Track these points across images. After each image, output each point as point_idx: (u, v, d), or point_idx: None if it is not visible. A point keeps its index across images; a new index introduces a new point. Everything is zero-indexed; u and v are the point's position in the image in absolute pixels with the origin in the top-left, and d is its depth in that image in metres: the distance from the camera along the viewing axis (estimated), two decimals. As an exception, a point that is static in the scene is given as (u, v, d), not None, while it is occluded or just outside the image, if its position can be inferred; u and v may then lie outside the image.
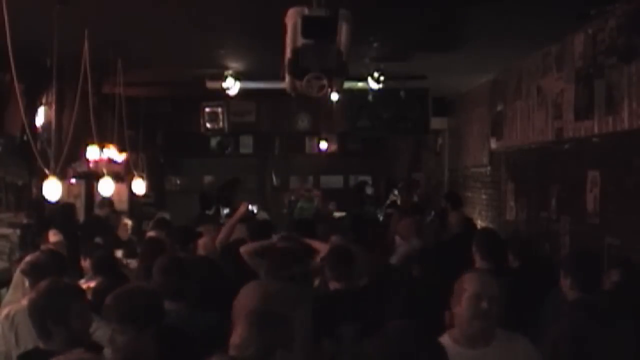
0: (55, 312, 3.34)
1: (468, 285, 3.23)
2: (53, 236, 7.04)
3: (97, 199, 9.52)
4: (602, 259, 5.41)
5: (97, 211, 9.37)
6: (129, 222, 9.09)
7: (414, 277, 5.64)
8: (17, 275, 5.13)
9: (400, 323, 2.51)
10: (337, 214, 11.88)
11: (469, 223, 8.45)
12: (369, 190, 13.32)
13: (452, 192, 10.17)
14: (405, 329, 2.39)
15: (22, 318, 4.03)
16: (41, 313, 3.35)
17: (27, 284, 4.35)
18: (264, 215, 9.81)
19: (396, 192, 12.59)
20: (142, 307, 3.31)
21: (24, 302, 4.24)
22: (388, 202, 12.48)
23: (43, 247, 6.22)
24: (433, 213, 9.74)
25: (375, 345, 2.33)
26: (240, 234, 6.62)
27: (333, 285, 4.62)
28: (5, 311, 4.26)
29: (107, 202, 9.01)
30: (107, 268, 5.33)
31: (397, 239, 6.77)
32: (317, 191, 13.29)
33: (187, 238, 6.01)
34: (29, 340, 3.84)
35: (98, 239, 7.56)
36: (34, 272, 4.30)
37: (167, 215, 9.55)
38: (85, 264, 5.84)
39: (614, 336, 3.72)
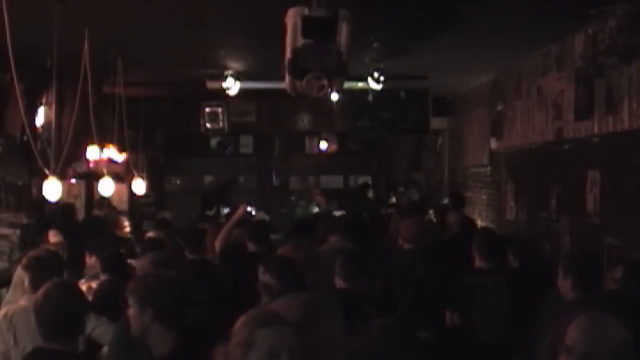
0: (80, 311, 3.33)
1: (568, 332, 2.48)
2: (53, 237, 7.04)
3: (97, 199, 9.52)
4: (602, 259, 5.41)
5: (96, 211, 9.36)
6: (125, 220, 9.10)
7: (418, 278, 5.66)
8: (17, 275, 5.13)
9: (383, 322, 2.52)
10: (337, 213, 11.84)
11: (469, 223, 8.45)
12: (371, 194, 13.24)
13: (455, 193, 10.15)
14: (388, 328, 2.40)
15: (20, 318, 4.04)
16: (68, 312, 3.29)
17: (26, 283, 4.34)
18: (262, 216, 9.80)
19: (393, 199, 12.50)
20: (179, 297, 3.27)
21: (22, 302, 4.25)
22: (388, 204, 12.43)
23: (43, 247, 6.22)
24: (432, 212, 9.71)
25: (360, 343, 2.34)
26: (238, 235, 6.61)
27: (339, 283, 4.61)
28: (3, 311, 4.26)
29: (106, 201, 9.01)
30: (116, 267, 5.30)
31: (399, 239, 6.75)
32: (317, 191, 13.19)
33: (198, 239, 5.99)
34: (27, 339, 3.85)
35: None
36: (35, 267, 4.28)
37: (168, 215, 9.55)
38: (91, 260, 5.80)
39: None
